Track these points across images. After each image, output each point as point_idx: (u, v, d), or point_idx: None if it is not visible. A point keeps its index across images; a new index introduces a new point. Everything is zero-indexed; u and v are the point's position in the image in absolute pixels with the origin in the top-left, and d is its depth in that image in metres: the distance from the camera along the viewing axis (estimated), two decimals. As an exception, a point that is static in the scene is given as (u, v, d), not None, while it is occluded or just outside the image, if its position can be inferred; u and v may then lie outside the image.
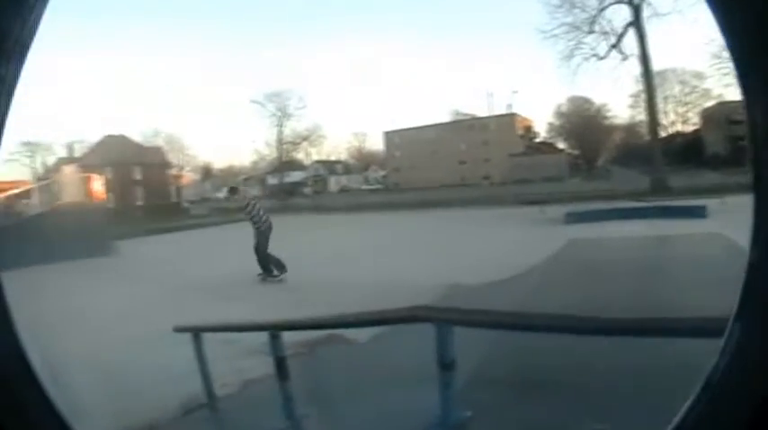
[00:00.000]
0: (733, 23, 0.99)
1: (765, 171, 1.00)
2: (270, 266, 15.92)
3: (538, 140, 68.83)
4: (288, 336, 5.63)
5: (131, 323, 11.10)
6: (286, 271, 15.78)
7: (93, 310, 12.22)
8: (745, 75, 0.99)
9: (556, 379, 5.20)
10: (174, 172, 64.98)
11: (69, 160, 48.08)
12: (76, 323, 11.32)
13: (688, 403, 1.09)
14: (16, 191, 35.99)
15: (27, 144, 59.46)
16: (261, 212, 16.64)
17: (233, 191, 21.26)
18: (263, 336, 6.03)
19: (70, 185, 28.95)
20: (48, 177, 40.10)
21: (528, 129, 68.55)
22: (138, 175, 55.50)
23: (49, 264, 19.18)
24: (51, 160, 58.25)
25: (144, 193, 54.99)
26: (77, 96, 74.51)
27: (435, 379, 3.97)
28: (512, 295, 9.94)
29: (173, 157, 65.47)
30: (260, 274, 16.05)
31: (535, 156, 62.53)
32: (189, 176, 72.63)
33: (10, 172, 56.73)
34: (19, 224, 25.77)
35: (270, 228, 16.48)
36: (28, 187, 36.37)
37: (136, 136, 61.32)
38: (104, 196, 30.46)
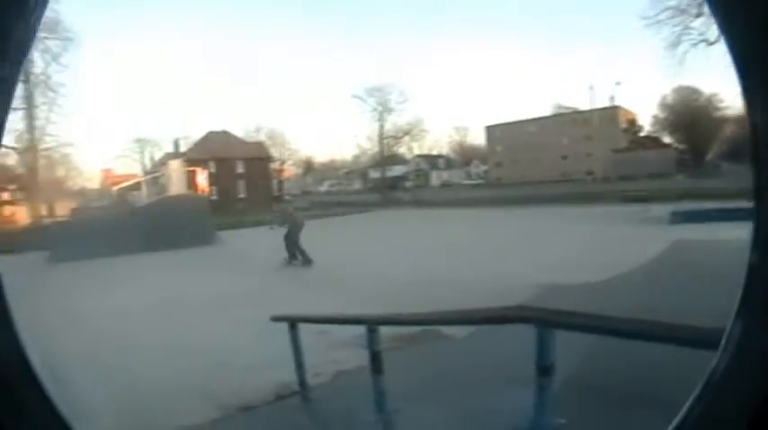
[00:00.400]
0: (733, 24, 0.99)
1: (766, 172, 1.01)
2: (295, 253, 19.16)
3: (642, 134, 65.10)
4: (383, 330, 5.60)
5: (229, 310, 11.33)
6: (311, 263, 18.57)
7: (193, 297, 12.52)
8: (746, 75, 0.99)
9: (657, 392, 4.94)
10: (275, 166, 66.07)
11: (175, 155, 49.34)
12: (179, 309, 11.69)
13: (688, 403, 1.10)
14: (127, 183, 37.50)
15: (137, 140, 61.73)
16: (293, 214, 20.93)
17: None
18: (356, 328, 6.20)
19: (176, 178, 29.78)
20: (155, 171, 41.43)
21: (632, 122, 65.57)
22: (240, 169, 56.62)
23: (156, 252, 19.88)
24: (159, 155, 60.25)
25: (246, 186, 56.12)
26: (183, 94, 76.71)
27: (530, 381, 3.81)
28: (612, 298, 9.60)
29: (274, 152, 66.52)
30: (285, 258, 19.31)
31: (639, 152, 59.11)
32: (290, 170, 73.69)
33: (122, 166, 59.46)
34: (129, 214, 26.81)
35: (297, 225, 19.93)
36: (137, 180, 37.84)
37: (238, 131, 62.76)
38: (208, 189, 31.23)
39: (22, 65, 1.05)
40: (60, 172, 55.33)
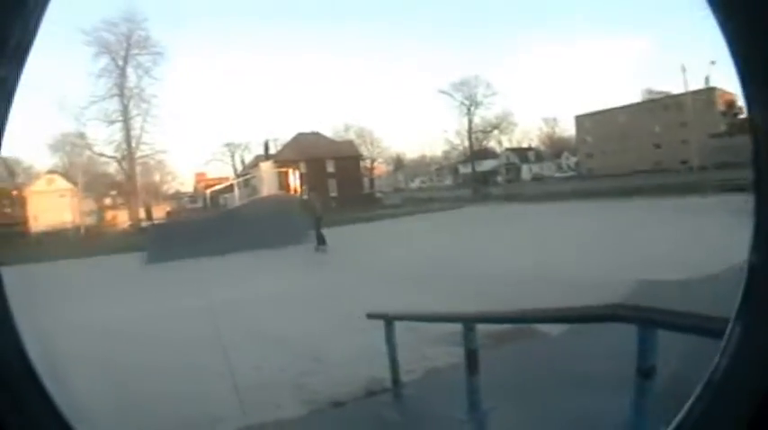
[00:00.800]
0: (734, 25, 0.99)
1: (766, 172, 1.01)
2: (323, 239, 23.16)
3: (742, 117, 62.31)
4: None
5: (322, 305, 11.43)
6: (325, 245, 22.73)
7: (286, 294, 12.66)
8: (746, 76, 0.99)
9: None
10: (366, 164, 66.42)
11: (266, 157, 50.37)
12: (272, 305, 11.87)
13: (689, 402, 1.11)
14: (220, 186, 38.43)
15: (228, 145, 63.50)
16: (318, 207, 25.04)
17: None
18: (448, 326, 6.16)
19: (267, 180, 30.24)
20: (247, 173, 42.40)
21: (730, 104, 58.05)
22: (331, 168, 57.19)
23: (248, 251, 20.26)
24: (249, 158, 61.67)
25: (337, 185, 56.52)
26: (270, 98, 78.11)
27: (628, 383, 3.60)
28: (716, 296, 8.88)
29: (364, 150, 66.91)
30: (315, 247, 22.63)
31: (739, 136, 56.17)
32: (381, 167, 73.92)
33: (214, 170, 61.36)
34: (223, 215, 27.43)
35: (316, 213, 24.40)
36: (230, 182, 38.72)
37: (327, 131, 63.42)
38: (300, 189, 31.61)
39: (22, 65, 1.05)
40: (156, 177, 57.61)
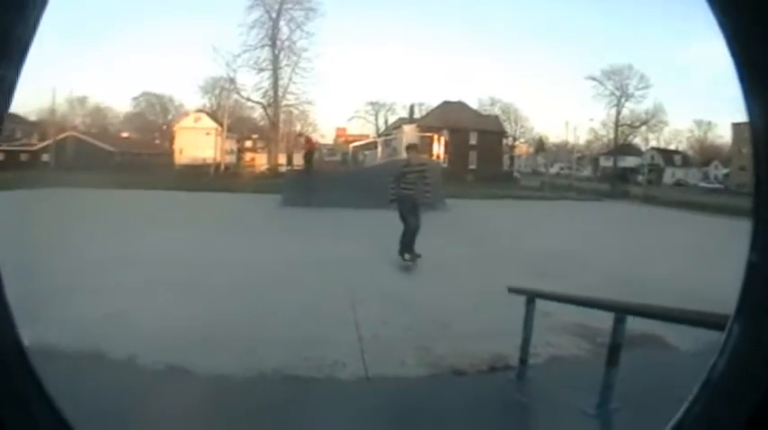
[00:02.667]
0: (733, 26, 0.99)
1: (765, 173, 1.02)
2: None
3: None
4: (602, 326, 5.58)
5: (454, 274, 11.11)
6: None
7: (423, 258, 12.25)
8: (745, 77, 1.00)
9: None
10: (508, 141, 65.36)
11: (409, 120, 50.58)
12: (406, 267, 11.54)
13: (687, 402, 1.11)
14: (362, 142, 38.52)
15: (372, 104, 64.41)
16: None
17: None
18: (580, 319, 6.79)
19: (410, 143, 29.92)
20: (388, 134, 42.59)
21: None
22: (473, 141, 56.57)
23: (382, 210, 19.96)
24: (392, 119, 62.13)
25: (477, 159, 55.89)
26: (420, 62, 77.83)
27: None
28: None
29: (508, 127, 65.84)
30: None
31: None
32: (522, 147, 72.55)
33: (355, 127, 62.17)
34: (361, 171, 27.32)
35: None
36: (372, 141, 38.77)
37: (473, 103, 62.72)
38: (444, 157, 31.09)
39: (22, 64, 1.03)
40: (298, 126, 58.81)
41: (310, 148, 31.28)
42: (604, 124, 65.98)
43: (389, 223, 15.74)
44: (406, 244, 12.01)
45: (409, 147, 13.60)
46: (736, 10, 0.97)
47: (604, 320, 5.17)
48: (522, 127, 69.16)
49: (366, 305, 8.24)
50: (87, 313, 7.39)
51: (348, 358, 6.21)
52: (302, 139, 40.84)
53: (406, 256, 12.01)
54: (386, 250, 12.85)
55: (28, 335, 4.12)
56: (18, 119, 55.30)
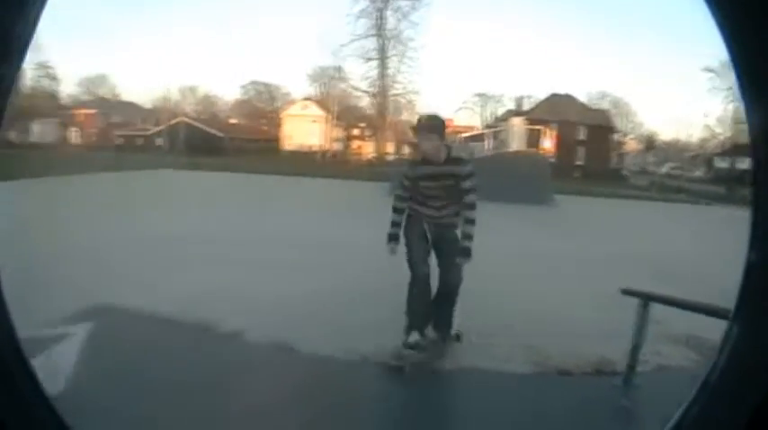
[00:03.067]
0: (732, 27, 1.01)
1: (763, 173, 1.03)
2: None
3: None
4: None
5: (561, 274, 10.83)
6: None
7: (527, 252, 12.05)
8: (745, 79, 1.01)
9: None
10: (617, 137, 63.49)
11: (516, 112, 50.10)
12: (508, 260, 11.34)
13: (686, 403, 1.11)
14: (469, 134, 38.33)
15: (479, 95, 63.85)
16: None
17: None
18: (694, 330, 6.37)
19: (518, 135, 29.66)
20: (496, 126, 42.21)
21: None
22: (580, 136, 55.23)
23: (489, 202, 19.80)
24: (500, 111, 61.57)
25: (584, 154, 54.61)
26: (528, 54, 76.86)
27: None
28: None
29: (618, 122, 64.02)
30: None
31: None
32: (632, 144, 70.30)
33: (462, 118, 61.96)
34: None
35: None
36: (479, 132, 38.55)
37: (582, 96, 61.27)
38: (553, 151, 30.58)
39: (21, 62, 1.06)
40: (405, 116, 58.97)
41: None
42: (720, 121, 62.86)
43: (489, 216, 15.61)
44: (431, 314, 5.84)
45: (424, 128, 5.77)
46: (734, 13, 0.98)
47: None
48: (631, 122, 67.07)
49: (472, 298, 8.15)
50: (200, 285, 7.59)
51: (451, 349, 6.09)
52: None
53: (416, 339, 5.59)
54: (488, 241, 12.71)
55: (146, 303, 4.13)
56: (134, 106, 58.41)
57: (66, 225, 12.06)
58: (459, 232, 5.69)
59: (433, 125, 5.63)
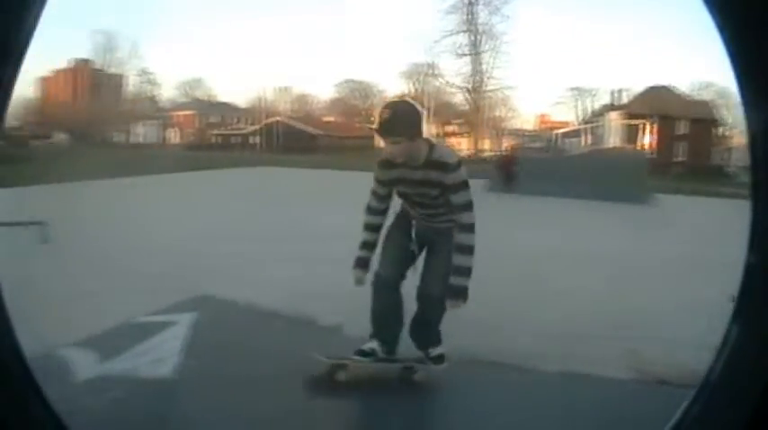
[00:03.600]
0: (732, 28, 1.02)
1: (762, 174, 1.04)
2: None
3: None
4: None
5: (669, 276, 10.41)
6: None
7: (622, 253, 11.71)
8: (743, 76, 1.02)
9: None
10: (722, 131, 60.98)
11: (612, 106, 49.01)
12: (604, 262, 11.03)
13: (686, 402, 1.12)
14: (565, 130, 37.78)
15: (574, 89, 62.49)
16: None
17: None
18: None
19: (615, 131, 29.04)
20: (592, 121, 41.37)
21: None
22: (681, 130, 53.24)
23: (588, 201, 19.45)
24: (596, 105, 60.30)
25: (686, 149, 52.66)
26: (623, 45, 75.18)
27: None
28: None
29: (723, 114, 61.57)
30: None
31: None
32: (739, 138, 67.31)
33: (558, 113, 61.08)
34: (564, 159, 26.73)
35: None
36: (575, 128, 37.91)
37: (683, 87, 59.12)
38: (652, 146, 29.70)
39: (21, 62, 1.07)
40: (500, 112, 58.53)
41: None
42: None
43: (584, 215, 15.22)
44: (397, 324, 4.64)
45: (385, 124, 3.93)
46: (733, 11, 0.99)
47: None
48: (738, 114, 64.26)
49: (574, 298, 7.95)
50: (298, 280, 7.66)
51: (548, 349, 6.00)
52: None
53: (371, 347, 4.63)
54: (590, 244, 12.42)
55: (246, 296, 4.11)
56: (230, 107, 60.31)
57: (167, 219, 12.57)
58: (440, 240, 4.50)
59: (396, 119, 4.00)
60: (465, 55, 56.97)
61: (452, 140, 58.84)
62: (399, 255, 4.59)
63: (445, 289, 4.34)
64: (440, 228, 4.43)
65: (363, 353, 4.57)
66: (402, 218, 4.67)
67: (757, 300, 1.03)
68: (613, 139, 28.47)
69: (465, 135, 58.35)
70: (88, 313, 6.50)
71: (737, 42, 1.00)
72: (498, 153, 41.55)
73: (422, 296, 4.55)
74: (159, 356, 4.96)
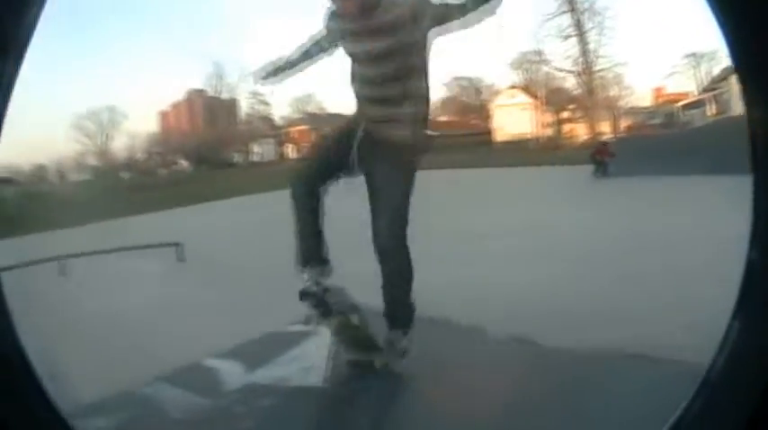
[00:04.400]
0: (733, 26, 1.01)
1: (764, 171, 1.03)
2: None
3: None
4: None
5: None
6: None
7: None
8: (744, 75, 1.03)
9: None
10: None
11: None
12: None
13: (686, 400, 1.11)
14: (684, 101, 36.19)
15: (690, 55, 59.50)
16: None
17: None
18: None
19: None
20: (714, 88, 39.36)
21: None
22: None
23: (717, 176, 18.51)
24: (715, 70, 57.40)
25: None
26: None
27: None
28: None
29: None
30: None
31: None
32: None
33: (674, 84, 58.27)
34: (688, 133, 25.62)
35: None
36: (696, 98, 36.23)
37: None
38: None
39: (21, 62, 1.06)
40: (614, 91, 56.74)
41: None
42: None
43: (714, 193, 14.43)
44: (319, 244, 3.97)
45: None
46: (735, 13, 0.98)
47: None
48: None
49: (716, 278, 7.27)
50: (435, 281, 7.53)
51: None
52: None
53: (307, 286, 3.89)
54: (721, 223, 11.69)
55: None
56: (343, 117, 61.33)
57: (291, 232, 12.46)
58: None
59: None
60: (570, 36, 55.01)
61: (568, 127, 56.97)
62: (326, 158, 3.78)
63: (400, 241, 3.73)
64: (385, 135, 3.50)
65: (306, 294, 3.87)
66: (347, 126, 3.68)
67: (758, 298, 1.03)
68: (742, 105, 26.98)
69: (580, 120, 55.95)
70: (229, 325, 6.68)
71: (738, 42, 1.00)
72: (614, 137, 40.41)
73: (377, 252, 3.72)
74: (308, 364, 4.94)
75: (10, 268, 10.08)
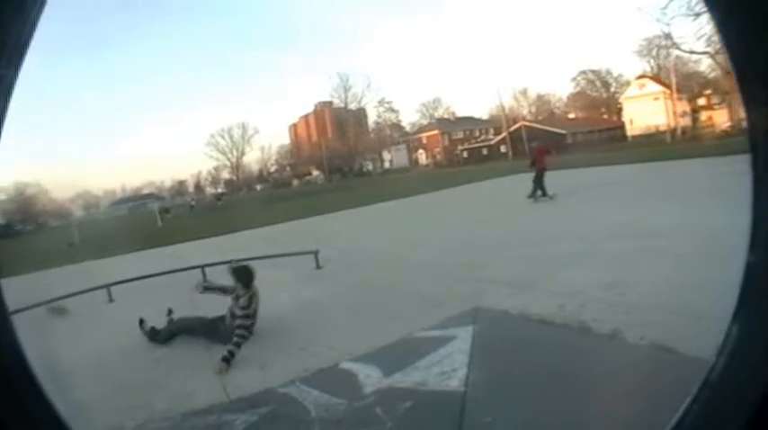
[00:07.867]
0: (732, 26, 1.01)
1: (763, 172, 1.02)
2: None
3: None
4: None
5: None
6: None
7: None
8: (743, 74, 1.01)
9: None
10: None
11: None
12: None
13: (687, 402, 1.09)
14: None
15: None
16: None
17: None
18: None
19: None
20: None
21: None
22: None
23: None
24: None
25: None
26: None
27: None
28: None
29: None
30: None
31: None
32: None
33: None
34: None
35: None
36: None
37: None
38: None
39: (21, 63, 1.05)
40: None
41: None
42: None
43: None
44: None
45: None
46: (734, 10, 0.97)
47: None
48: None
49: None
50: (570, 285, 7.36)
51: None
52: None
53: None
54: None
55: (519, 305, 6.10)
56: (472, 120, 61.30)
57: (428, 238, 13.27)
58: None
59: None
60: (699, 14, 50.70)
61: (706, 115, 53.21)
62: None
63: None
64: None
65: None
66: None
67: (758, 299, 1.01)
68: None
69: (719, 106, 51.91)
70: (365, 329, 6.79)
71: (738, 42, 0.99)
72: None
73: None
74: (447, 369, 5.04)
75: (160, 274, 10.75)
